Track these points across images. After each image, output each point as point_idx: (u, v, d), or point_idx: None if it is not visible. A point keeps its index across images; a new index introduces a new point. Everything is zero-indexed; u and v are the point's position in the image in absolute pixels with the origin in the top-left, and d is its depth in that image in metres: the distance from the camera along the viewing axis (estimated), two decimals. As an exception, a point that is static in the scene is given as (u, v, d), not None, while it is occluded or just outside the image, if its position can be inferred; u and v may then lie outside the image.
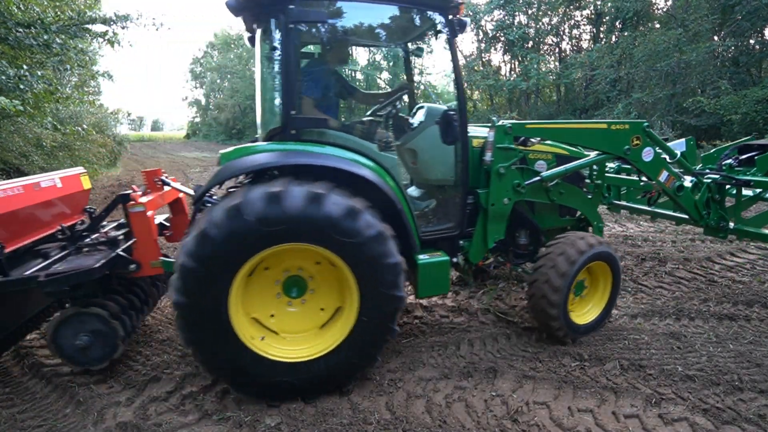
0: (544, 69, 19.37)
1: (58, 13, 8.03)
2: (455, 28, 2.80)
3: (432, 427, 2.30)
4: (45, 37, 7.29)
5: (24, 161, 9.72)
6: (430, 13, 2.89)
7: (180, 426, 2.37)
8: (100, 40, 8.68)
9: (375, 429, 2.28)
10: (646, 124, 3.22)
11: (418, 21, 3.07)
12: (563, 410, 2.41)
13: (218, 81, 45.59)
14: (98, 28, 8.44)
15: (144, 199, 2.98)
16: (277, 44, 2.61)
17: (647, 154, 3.16)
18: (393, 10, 2.93)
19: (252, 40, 2.99)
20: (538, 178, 3.06)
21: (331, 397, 2.57)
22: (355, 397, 2.57)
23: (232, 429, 2.33)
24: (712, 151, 3.96)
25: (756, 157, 3.59)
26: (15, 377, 2.92)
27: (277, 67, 2.69)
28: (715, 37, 14.14)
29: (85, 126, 12.29)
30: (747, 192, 3.34)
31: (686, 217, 3.52)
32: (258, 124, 3.01)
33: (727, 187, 3.36)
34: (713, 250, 4.89)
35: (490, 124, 3.04)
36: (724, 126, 12.47)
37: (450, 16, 2.77)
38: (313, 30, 2.87)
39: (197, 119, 53.34)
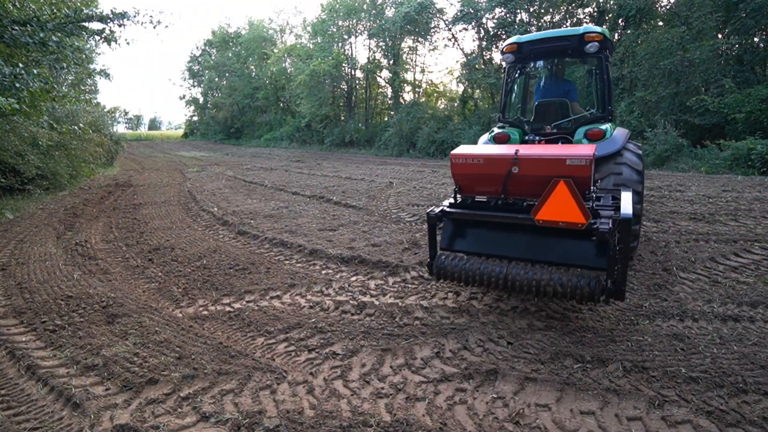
0: (544, 67, 19.23)
1: (55, 10, 7.99)
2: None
3: (432, 429, 2.26)
4: (41, 35, 7.24)
5: (20, 160, 9.64)
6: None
7: (178, 428, 2.33)
8: (97, 38, 8.63)
9: (375, 431, 2.25)
10: None
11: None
12: (566, 413, 2.38)
13: (216, 79, 45.37)
14: (95, 26, 8.40)
15: None
16: (596, 70, 5.01)
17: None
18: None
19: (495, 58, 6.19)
20: None
21: (331, 399, 2.54)
22: (354, 399, 2.54)
23: (230, 431, 2.30)
24: None
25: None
26: (11, 379, 2.88)
27: (598, 82, 4.89)
28: (719, 35, 14.03)
29: (81, 125, 12.20)
30: None
31: None
32: (533, 117, 5.05)
33: None
34: (717, 250, 4.85)
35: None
36: (728, 125, 12.33)
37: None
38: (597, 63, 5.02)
39: (195, 118, 53.12)
